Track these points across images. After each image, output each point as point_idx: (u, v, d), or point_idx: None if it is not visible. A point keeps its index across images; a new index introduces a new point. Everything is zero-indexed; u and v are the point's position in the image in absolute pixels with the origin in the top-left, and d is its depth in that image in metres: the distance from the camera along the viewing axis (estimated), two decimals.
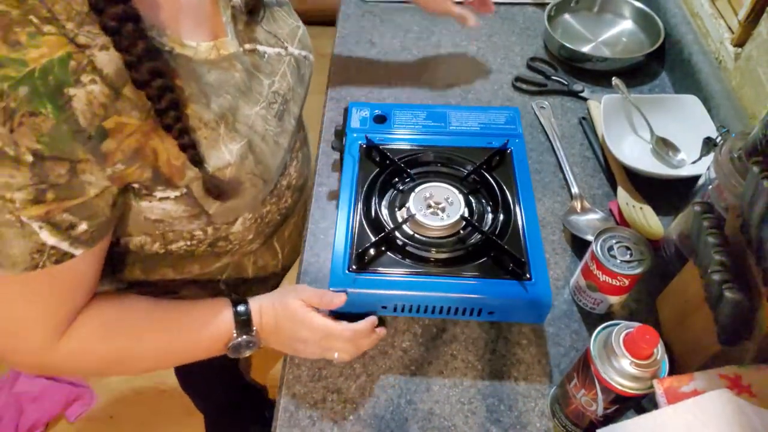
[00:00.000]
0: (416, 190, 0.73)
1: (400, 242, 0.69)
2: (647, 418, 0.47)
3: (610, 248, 0.65)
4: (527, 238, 0.69)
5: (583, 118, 0.94)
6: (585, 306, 0.71)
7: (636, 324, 0.50)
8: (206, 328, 0.61)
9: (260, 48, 0.62)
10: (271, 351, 1.70)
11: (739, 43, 0.86)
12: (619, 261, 0.64)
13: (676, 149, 0.86)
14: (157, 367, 0.64)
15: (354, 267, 0.67)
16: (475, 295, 0.65)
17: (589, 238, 0.75)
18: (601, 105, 0.88)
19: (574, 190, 0.82)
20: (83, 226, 0.48)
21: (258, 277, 0.79)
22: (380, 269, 0.67)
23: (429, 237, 0.70)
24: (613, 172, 0.84)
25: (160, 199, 0.54)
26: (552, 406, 0.63)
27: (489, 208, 0.74)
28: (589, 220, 0.79)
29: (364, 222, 0.71)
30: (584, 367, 0.53)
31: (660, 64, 1.04)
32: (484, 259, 0.68)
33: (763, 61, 0.79)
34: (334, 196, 0.82)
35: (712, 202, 0.64)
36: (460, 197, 0.72)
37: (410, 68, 1.03)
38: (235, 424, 1.40)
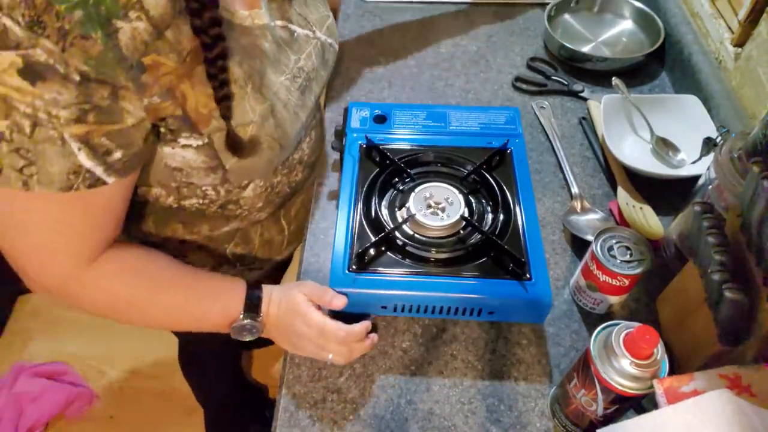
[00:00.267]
0: (416, 190, 0.73)
1: (400, 242, 0.69)
2: (647, 418, 0.47)
3: (610, 248, 0.65)
4: (527, 238, 0.69)
5: (583, 118, 0.94)
6: (585, 306, 0.71)
7: (636, 324, 0.50)
8: (219, 301, 0.63)
9: (291, 26, 0.65)
10: (271, 351, 1.71)
11: (739, 43, 0.86)
12: (619, 261, 0.64)
13: (676, 149, 0.86)
14: (162, 326, 0.65)
15: (354, 267, 0.67)
16: (475, 295, 0.65)
17: (589, 238, 0.75)
18: (601, 105, 0.89)
19: (574, 190, 0.82)
20: (118, 154, 0.51)
21: (263, 250, 0.81)
22: (380, 269, 0.67)
23: (429, 237, 0.70)
24: (613, 172, 0.84)
25: (183, 146, 0.56)
26: (552, 406, 0.63)
27: (489, 208, 0.74)
28: (589, 220, 0.79)
29: (364, 222, 0.71)
30: (584, 367, 0.53)
31: (660, 64, 1.04)
32: (484, 259, 0.68)
33: (763, 61, 0.79)
34: (334, 196, 0.82)
35: (712, 202, 0.64)
36: (460, 197, 0.72)
37: (410, 68, 1.03)
38: (236, 422, 1.40)
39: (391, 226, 0.70)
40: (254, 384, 1.57)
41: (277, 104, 0.61)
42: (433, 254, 0.68)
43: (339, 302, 0.64)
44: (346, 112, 0.86)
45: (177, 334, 1.03)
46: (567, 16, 1.12)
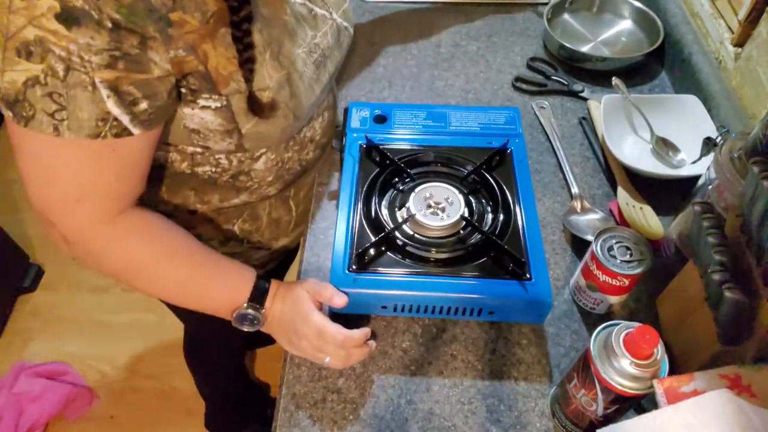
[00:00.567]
0: (416, 190, 0.73)
1: (400, 242, 0.69)
2: (647, 418, 0.47)
3: (610, 248, 0.65)
4: (527, 238, 0.69)
5: (583, 118, 0.94)
6: (585, 306, 0.71)
7: (636, 324, 0.50)
8: (227, 283, 0.64)
9: (309, 4, 0.67)
10: (272, 351, 1.71)
11: (739, 43, 0.86)
12: (619, 261, 0.64)
13: (676, 149, 0.86)
14: (168, 297, 0.66)
15: (354, 267, 0.67)
16: (475, 295, 0.65)
17: (589, 238, 0.75)
18: (601, 105, 0.89)
19: (574, 190, 0.82)
20: (144, 104, 0.52)
21: (271, 229, 0.82)
22: (380, 269, 0.67)
23: (429, 237, 0.70)
24: (613, 172, 0.84)
25: (202, 107, 0.58)
26: (552, 406, 0.63)
27: (489, 208, 0.74)
28: (589, 220, 0.79)
29: (364, 222, 0.71)
30: (584, 367, 0.53)
31: (660, 64, 1.04)
32: (484, 259, 0.68)
33: (763, 61, 0.79)
34: (334, 196, 0.82)
35: (712, 202, 0.64)
36: (460, 197, 0.72)
37: (410, 68, 1.03)
38: (236, 418, 1.40)
39: (391, 226, 0.70)
40: (256, 382, 1.57)
41: (294, 74, 0.62)
42: (433, 254, 0.68)
43: (340, 301, 0.64)
44: (346, 112, 0.86)
45: (184, 320, 1.04)
46: (566, 16, 1.12)
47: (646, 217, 0.78)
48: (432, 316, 0.69)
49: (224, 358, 1.25)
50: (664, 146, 0.87)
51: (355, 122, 0.84)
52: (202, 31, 0.53)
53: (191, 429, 1.48)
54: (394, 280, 0.66)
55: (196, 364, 1.26)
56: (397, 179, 0.77)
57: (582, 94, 0.98)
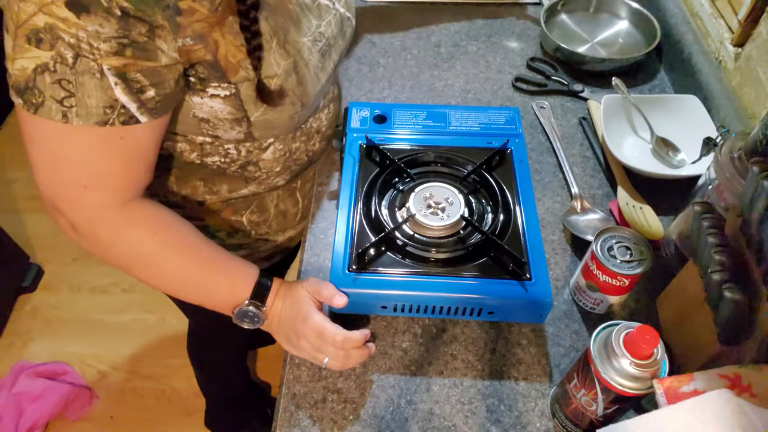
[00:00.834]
0: (416, 190, 0.73)
1: (400, 242, 0.69)
2: (647, 418, 0.47)
3: (610, 248, 0.65)
4: (527, 238, 0.69)
5: (583, 118, 0.94)
6: (585, 306, 0.71)
7: (636, 324, 0.50)
8: (230, 279, 0.64)
9: None
10: (273, 351, 1.71)
11: (739, 43, 0.86)
12: (619, 261, 0.64)
13: (676, 149, 0.86)
14: (171, 289, 0.66)
15: (354, 267, 0.67)
16: (475, 295, 0.65)
17: (589, 238, 0.75)
18: (601, 105, 0.89)
19: (574, 190, 0.82)
20: (151, 93, 0.53)
21: (278, 220, 0.83)
22: (380, 269, 0.67)
23: (429, 237, 0.70)
24: (613, 172, 0.84)
25: (211, 96, 0.59)
26: (552, 406, 0.63)
27: (489, 208, 0.74)
28: (589, 220, 0.79)
29: (364, 222, 0.71)
30: (584, 367, 0.53)
31: (659, 64, 1.04)
32: (484, 259, 0.68)
33: (763, 61, 0.79)
34: (334, 196, 0.82)
35: (712, 202, 0.64)
36: (460, 197, 0.72)
37: (410, 68, 1.03)
38: (237, 418, 1.40)
39: (391, 226, 0.70)
40: (257, 382, 1.57)
41: (300, 62, 0.63)
42: (433, 254, 0.68)
43: (340, 301, 0.64)
44: (346, 112, 0.86)
45: (188, 315, 1.04)
46: (564, 17, 1.12)
47: (646, 217, 0.78)
48: (432, 316, 0.69)
49: (227, 356, 1.25)
50: (664, 146, 0.87)
51: (355, 122, 0.84)
52: (211, 19, 0.54)
53: (191, 429, 1.49)
54: (394, 280, 0.66)
55: (198, 360, 1.26)
56: (397, 179, 0.77)
57: (582, 94, 0.98)
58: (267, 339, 0.70)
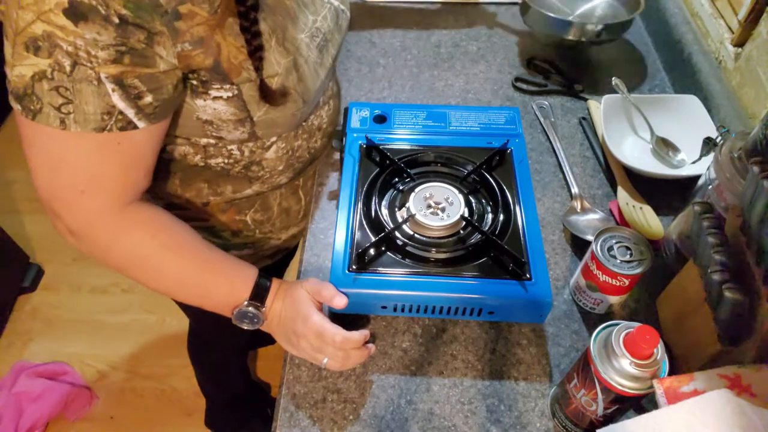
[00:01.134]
0: (416, 190, 0.73)
1: (400, 242, 0.69)
2: (647, 418, 0.47)
3: (610, 248, 0.65)
4: (527, 238, 0.69)
5: (583, 118, 0.94)
6: (585, 306, 0.71)
7: (636, 324, 0.50)
8: (229, 280, 0.64)
9: None
10: (273, 351, 1.71)
11: (739, 43, 0.86)
12: (619, 261, 0.64)
13: (676, 149, 0.86)
14: (170, 291, 0.66)
15: (354, 267, 0.67)
16: (475, 295, 0.65)
17: (589, 238, 0.75)
18: (601, 105, 0.89)
19: (574, 190, 0.82)
20: (149, 98, 0.53)
21: (281, 218, 0.83)
22: (380, 269, 0.67)
23: (429, 237, 0.70)
24: (613, 172, 0.84)
25: (214, 98, 0.59)
26: (552, 406, 0.63)
27: (489, 208, 0.74)
28: (589, 220, 0.79)
29: (364, 222, 0.71)
30: (584, 367, 0.53)
31: (659, 64, 1.04)
32: (484, 259, 0.68)
33: (763, 61, 0.79)
34: (334, 196, 0.82)
35: (712, 202, 0.64)
36: (460, 197, 0.72)
37: (410, 68, 1.03)
38: (237, 418, 1.40)
39: (391, 226, 0.70)
40: (258, 382, 1.57)
41: (299, 59, 0.64)
42: (433, 254, 0.68)
43: (340, 302, 0.64)
44: (346, 112, 0.86)
45: (189, 316, 1.04)
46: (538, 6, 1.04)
47: (646, 217, 0.78)
48: (432, 316, 0.69)
49: (227, 356, 1.25)
50: (664, 146, 0.87)
51: (355, 122, 0.84)
52: (211, 21, 0.54)
53: (191, 429, 1.49)
54: (394, 280, 0.66)
55: (199, 360, 1.26)
56: (397, 179, 0.77)
57: (582, 94, 0.98)
58: (267, 339, 0.70)
